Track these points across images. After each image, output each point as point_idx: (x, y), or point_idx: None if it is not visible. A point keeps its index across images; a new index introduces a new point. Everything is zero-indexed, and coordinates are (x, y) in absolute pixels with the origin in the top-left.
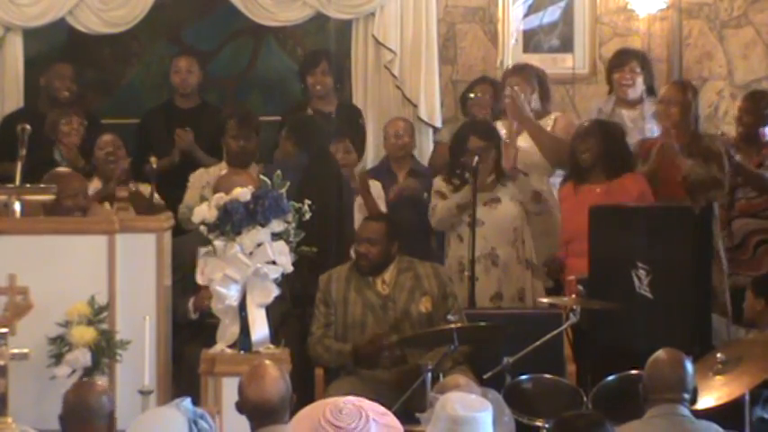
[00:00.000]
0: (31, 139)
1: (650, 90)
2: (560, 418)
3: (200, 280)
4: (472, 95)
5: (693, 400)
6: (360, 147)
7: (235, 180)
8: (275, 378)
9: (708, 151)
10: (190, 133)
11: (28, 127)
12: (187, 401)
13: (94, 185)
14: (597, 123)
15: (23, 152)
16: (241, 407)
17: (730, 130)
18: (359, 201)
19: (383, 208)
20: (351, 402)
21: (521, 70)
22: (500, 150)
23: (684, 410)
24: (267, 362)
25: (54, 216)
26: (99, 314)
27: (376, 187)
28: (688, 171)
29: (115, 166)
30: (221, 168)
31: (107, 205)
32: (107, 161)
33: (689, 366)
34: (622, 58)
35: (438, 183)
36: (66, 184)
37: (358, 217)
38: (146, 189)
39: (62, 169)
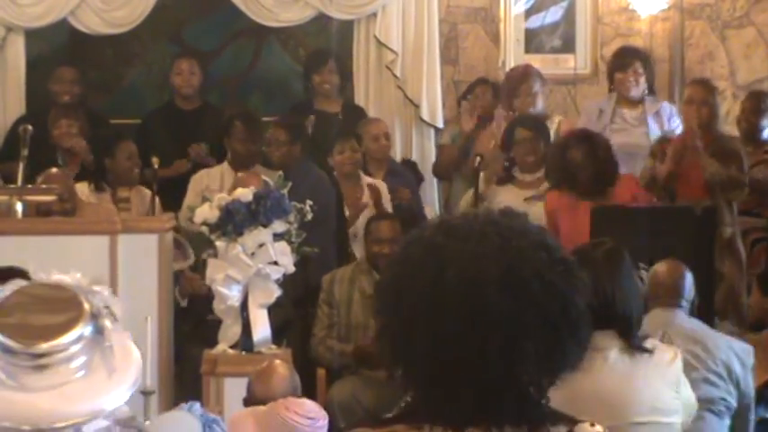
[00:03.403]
0: (36, 142)
1: (650, 89)
2: (576, 249)
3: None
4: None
5: (692, 311)
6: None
7: (251, 182)
8: (283, 378)
9: (728, 151)
10: (202, 147)
11: (29, 127)
12: (197, 406)
13: (107, 194)
14: (589, 143)
15: (25, 152)
16: (248, 403)
17: (732, 130)
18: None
19: (389, 209)
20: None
21: (527, 77)
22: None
23: (682, 314)
24: (278, 361)
25: (40, 216)
26: None
27: (383, 189)
28: (711, 172)
29: (134, 177)
30: (222, 170)
31: (110, 204)
32: (131, 172)
33: (688, 275)
34: (625, 59)
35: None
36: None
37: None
38: (146, 192)
39: (53, 170)
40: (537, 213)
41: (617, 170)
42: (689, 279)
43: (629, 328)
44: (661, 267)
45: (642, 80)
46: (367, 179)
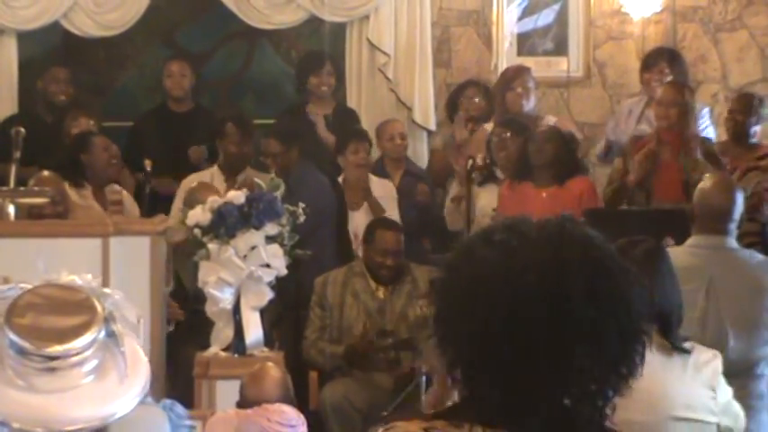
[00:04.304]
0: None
1: None
2: (615, 246)
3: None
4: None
5: (740, 227)
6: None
7: (207, 193)
8: (275, 380)
9: (704, 154)
10: (203, 150)
11: (22, 130)
12: (148, 398)
13: (88, 191)
14: (556, 132)
15: (17, 155)
16: (241, 406)
17: (723, 133)
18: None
19: (394, 207)
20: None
21: (522, 72)
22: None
23: (731, 242)
24: (270, 364)
25: (32, 219)
26: None
27: (387, 186)
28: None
29: (113, 170)
30: (212, 173)
31: (96, 206)
32: (109, 165)
33: (739, 195)
34: (652, 59)
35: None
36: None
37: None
38: (127, 197)
39: (44, 173)
40: None
41: (578, 167)
42: (739, 198)
43: (669, 327)
44: (707, 184)
45: (668, 80)
46: (375, 179)
